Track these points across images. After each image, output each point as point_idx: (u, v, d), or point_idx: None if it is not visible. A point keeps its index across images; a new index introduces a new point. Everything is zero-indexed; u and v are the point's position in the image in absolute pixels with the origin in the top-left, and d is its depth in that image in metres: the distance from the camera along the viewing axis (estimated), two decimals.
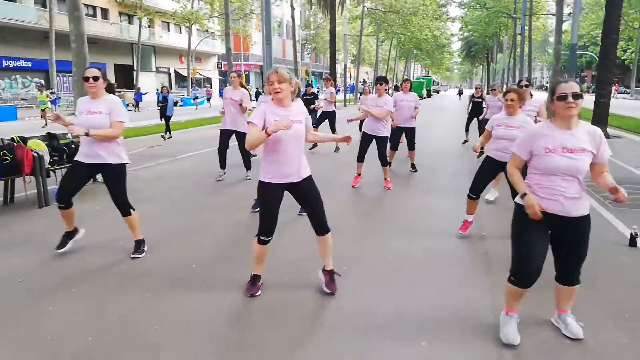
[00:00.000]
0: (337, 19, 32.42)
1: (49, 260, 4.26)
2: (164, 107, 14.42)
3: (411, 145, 8.51)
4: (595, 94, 14.23)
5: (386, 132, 6.90)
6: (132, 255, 4.30)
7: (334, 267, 3.62)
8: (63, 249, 4.35)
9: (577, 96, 2.60)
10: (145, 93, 30.06)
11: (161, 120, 14.82)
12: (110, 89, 4.19)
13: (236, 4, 32.57)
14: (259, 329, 3.08)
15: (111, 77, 36.73)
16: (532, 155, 2.77)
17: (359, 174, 7.22)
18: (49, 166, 6.24)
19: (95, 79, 3.95)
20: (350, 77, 48.69)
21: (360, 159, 7.06)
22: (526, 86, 6.09)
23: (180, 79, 43.31)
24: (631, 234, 4.65)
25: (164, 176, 8.32)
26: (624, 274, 3.99)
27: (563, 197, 2.70)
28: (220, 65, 49.37)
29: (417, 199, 6.66)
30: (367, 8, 34.21)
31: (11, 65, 28.44)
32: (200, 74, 44.32)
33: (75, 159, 4.17)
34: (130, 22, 36.38)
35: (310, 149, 10.95)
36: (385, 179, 7.16)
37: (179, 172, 8.68)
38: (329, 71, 29.68)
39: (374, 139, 6.89)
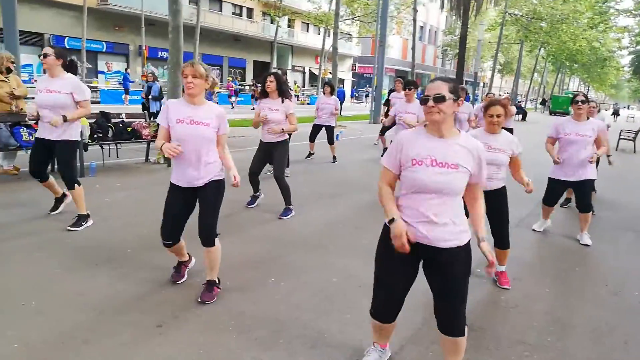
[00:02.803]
0: (472, 24, 30.50)
1: (14, 221, 4.58)
2: (147, 101, 11.08)
3: None
4: None
5: None
6: (67, 227, 4.45)
7: (217, 278, 3.35)
8: (56, 212, 4.86)
9: (438, 99, 2.05)
10: None
11: None
12: (70, 68, 4.34)
13: (372, 7, 32.53)
14: (108, 323, 2.88)
15: (249, 73, 39.72)
16: (401, 168, 2.19)
17: None
18: (88, 141, 6.76)
19: (45, 56, 4.15)
20: (484, 85, 45.62)
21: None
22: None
23: (314, 78, 44.82)
24: None
25: None
26: None
27: (429, 223, 2.12)
28: (354, 67, 50.00)
29: None
30: (509, 14, 31.57)
31: (165, 56, 32.13)
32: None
33: (36, 135, 4.46)
34: (272, 22, 38.61)
35: (307, 157, 9.74)
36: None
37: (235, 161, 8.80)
38: (455, 77, 28.19)
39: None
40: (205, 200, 3.14)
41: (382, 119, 10.59)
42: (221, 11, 34.58)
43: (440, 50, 56.16)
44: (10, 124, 5.95)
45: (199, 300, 3.20)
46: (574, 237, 5.27)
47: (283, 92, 5.17)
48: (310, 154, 9.78)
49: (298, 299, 3.39)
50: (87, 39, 25.23)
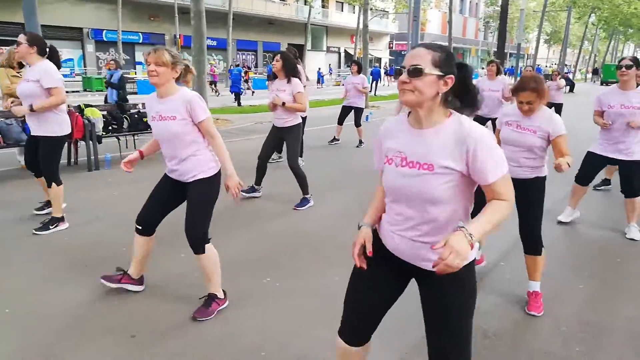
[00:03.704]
0: None
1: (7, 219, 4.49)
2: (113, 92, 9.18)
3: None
4: None
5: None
6: (33, 230, 4.14)
7: (222, 290, 3.00)
8: (40, 212, 4.64)
9: (414, 72, 1.50)
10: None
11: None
12: (50, 54, 4.00)
13: None
14: (79, 333, 2.68)
15: None
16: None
17: None
18: (102, 133, 6.66)
19: (17, 44, 3.83)
20: (528, 57, 43.24)
21: None
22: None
23: (350, 59, 44.03)
24: None
25: (232, 152, 8.29)
26: None
27: (404, 237, 1.67)
28: (391, 45, 48.75)
29: None
30: None
31: None
32: (370, 54, 44.39)
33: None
34: (305, 3, 38.00)
35: (330, 142, 9.36)
36: None
37: (252, 149, 8.56)
38: (495, 50, 26.75)
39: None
40: (189, 201, 2.85)
41: None
42: None
43: (482, 23, 53.76)
44: (22, 119, 5.91)
45: (191, 316, 2.86)
46: (619, 229, 4.63)
47: (290, 71, 4.88)
48: (335, 139, 9.37)
49: (292, 302, 3.09)
50: (123, 31, 25.65)
